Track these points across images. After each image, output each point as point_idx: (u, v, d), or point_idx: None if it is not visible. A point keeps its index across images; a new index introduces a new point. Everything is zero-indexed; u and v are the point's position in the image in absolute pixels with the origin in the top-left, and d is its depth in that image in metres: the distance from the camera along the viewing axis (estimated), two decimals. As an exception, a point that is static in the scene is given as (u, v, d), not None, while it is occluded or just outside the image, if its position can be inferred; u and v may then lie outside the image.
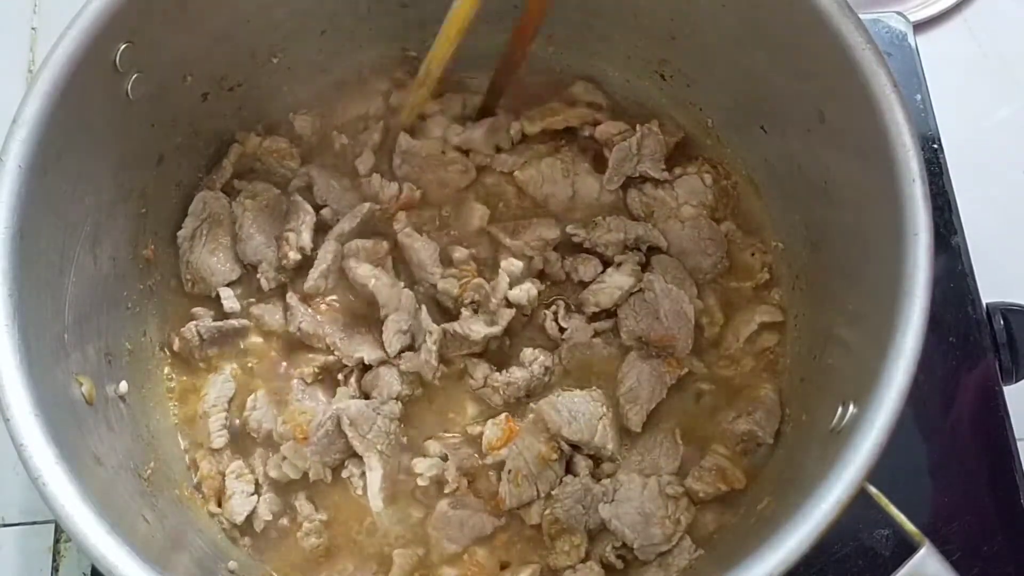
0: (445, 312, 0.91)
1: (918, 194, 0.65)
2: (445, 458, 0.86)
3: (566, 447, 0.84)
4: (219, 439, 0.86)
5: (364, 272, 0.89)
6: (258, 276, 0.91)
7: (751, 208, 0.94)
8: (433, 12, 0.95)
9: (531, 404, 0.87)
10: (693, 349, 0.89)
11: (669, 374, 0.87)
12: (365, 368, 0.88)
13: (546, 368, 0.87)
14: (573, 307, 0.91)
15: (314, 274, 0.90)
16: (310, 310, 0.90)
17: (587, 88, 0.99)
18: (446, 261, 0.92)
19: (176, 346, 0.89)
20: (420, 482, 0.84)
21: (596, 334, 0.90)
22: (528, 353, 0.88)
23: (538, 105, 0.98)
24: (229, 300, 0.91)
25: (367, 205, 0.92)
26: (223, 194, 0.94)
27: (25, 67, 1.21)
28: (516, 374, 0.86)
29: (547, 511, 0.83)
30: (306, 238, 0.90)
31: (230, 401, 0.88)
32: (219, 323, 0.89)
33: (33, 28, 1.23)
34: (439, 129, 0.97)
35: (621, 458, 0.86)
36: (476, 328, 0.86)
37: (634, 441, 0.87)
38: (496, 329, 0.87)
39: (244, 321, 0.90)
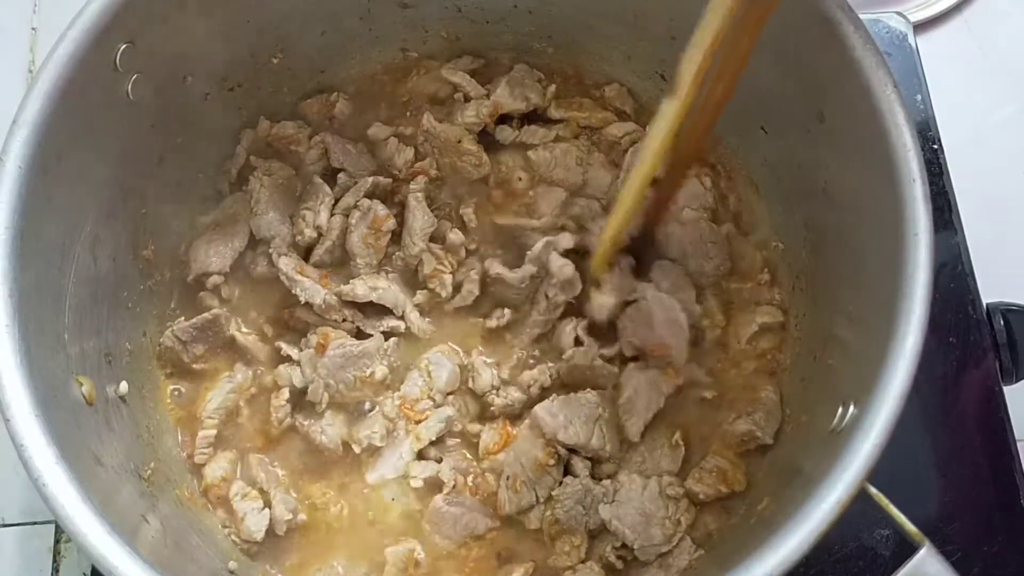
0: (410, 277, 0.93)
1: (918, 194, 0.65)
2: (440, 460, 0.86)
3: (563, 451, 0.84)
4: (201, 456, 0.86)
5: (363, 292, 0.89)
6: (269, 251, 0.92)
7: (751, 209, 0.94)
8: (433, 13, 0.96)
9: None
10: (694, 353, 0.89)
11: (666, 384, 0.87)
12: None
13: (543, 388, 0.88)
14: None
15: (319, 250, 0.92)
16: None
17: (619, 92, 0.99)
18: (441, 239, 0.93)
19: (159, 356, 0.89)
20: (413, 484, 0.85)
21: (600, 356, 0.89)
22: (527, 376, 0.88)
23: (570, 96, 0.99)
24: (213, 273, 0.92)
25: (370, 179, 0.93)
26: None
27: (25, 67, 1.21)
28: (513, 395, 0.87)
29: (547, 512, 0.83)
30: (323, 218, 0.91)
31: (229, 412, 0.88)
32: (192, 320, 0.89)
33: (33, 28, 1.23)
34: (456, 76, 0.98)
35: (620, 458, 0.86)
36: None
37: (634, 448, 0.86)
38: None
39: (216, 311, 0.90)
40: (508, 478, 0.83)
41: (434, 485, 0.85)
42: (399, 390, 0.88)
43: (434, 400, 0.88)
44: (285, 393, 0.87)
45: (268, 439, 0.88)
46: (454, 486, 0.84)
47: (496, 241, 0.95)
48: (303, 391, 0.88)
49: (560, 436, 0.83)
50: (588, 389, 0.87)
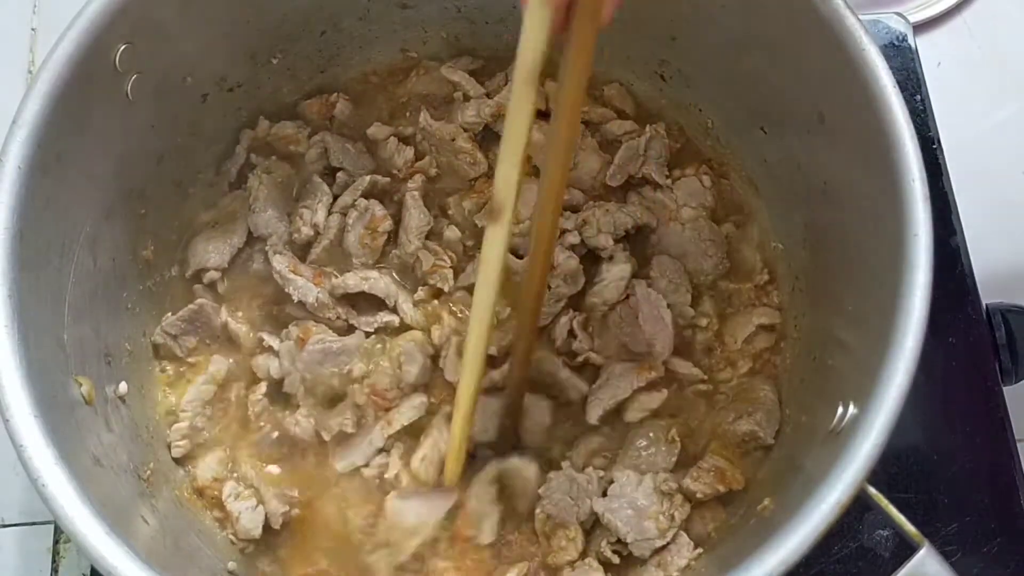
0: (407, 275, 0.93)
1: (918, 194, 0.65)
2: (388, 450, 0.86)
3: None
4: (178, 449, 0.85)
5: (354, 283, 0.89)
6: (267, 248, 0.92)
7: (751, 209, 0.94)
8: (433, 13, 0.96)
9: None
10: (687, 351, 0.89)
11: (638, 376, 0.86)
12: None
13: (499, 389, 0.87)
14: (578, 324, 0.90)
15: (316, 249, 0.92)
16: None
17: (619, 92, 0.99)
18: (437, 235, 0.93)
19: (158, 356, 0.89)
20: (366, 472, 0.85)
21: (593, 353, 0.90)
22: (496, 374, 0.87)
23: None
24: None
25: (368, 178, 0.93)
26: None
27: (25, 67, 1.21)
28: None
29: (538, 510, 0.82)
30: (320, 216, 0.92)
31: (206, 404, 0.87)
32: (179, 313, 0.88)
33: (33, 28, 1.23)
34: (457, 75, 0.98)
35: (615, 453, 0.86)
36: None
37: (630, 438, 0.86)
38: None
39: (201, 300, 0.89)
40: (423, 459, 0.84)
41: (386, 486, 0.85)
42: (369, 377, 0.88)
43: (402, 391, 0.88)
44: (263, 387, 0.87)
45: (245, 431, 0.88)
46: (396, 476, 0.84)
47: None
48: (280, 382, 0.88)
49: (477, 438, 0.84)
50: (542, 395, 0.87)
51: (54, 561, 0.98)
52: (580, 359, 0.88)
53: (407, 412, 0.86)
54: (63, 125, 0.70)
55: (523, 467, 0.83)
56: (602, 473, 0.84)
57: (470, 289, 0.91)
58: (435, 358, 0.89)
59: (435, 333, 0.89)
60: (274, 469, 0.87)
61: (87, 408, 0.73)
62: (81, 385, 0.73)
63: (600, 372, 0.88)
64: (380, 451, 0.86)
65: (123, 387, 0.80)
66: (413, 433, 0.86)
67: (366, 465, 0.85)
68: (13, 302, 0.65)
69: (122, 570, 0.60)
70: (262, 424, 0.87)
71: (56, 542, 0.98)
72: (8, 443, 0.62)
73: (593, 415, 0.85)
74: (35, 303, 0.68)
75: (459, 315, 0.91)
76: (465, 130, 0.96)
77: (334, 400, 0.88)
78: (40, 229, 0.69)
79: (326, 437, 0.85)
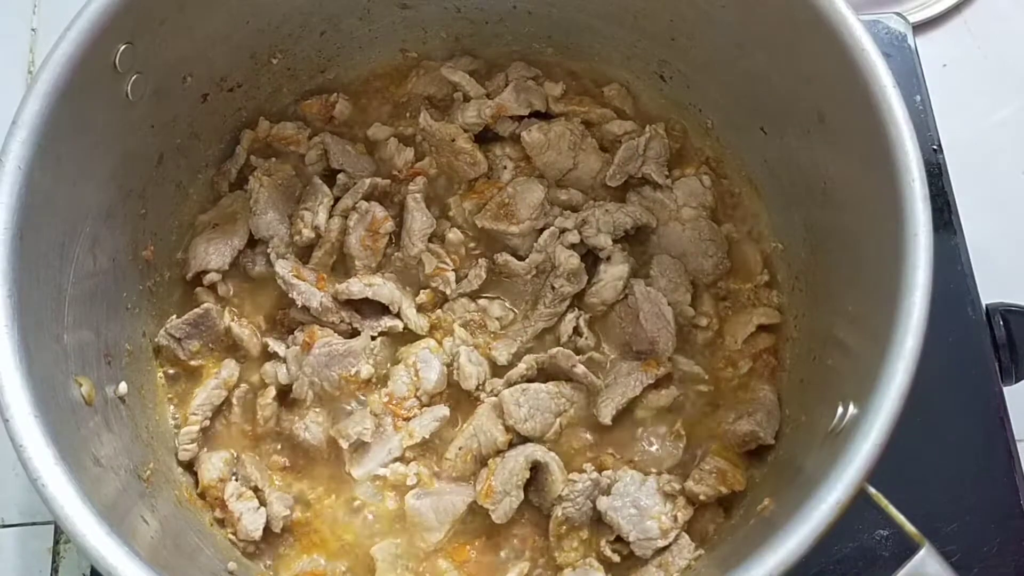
0: (410, 277, 0.93)
1: (918, 194, 0.65)
2: (407, 461, 0.86)
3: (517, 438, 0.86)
4: (185, 453, 0.86)
5: (358, 289, 0.89)
6: (268, 251, 0.92)
7: (751, 209, 0.94)
8: (432, 13, 0.96)
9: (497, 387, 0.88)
10: (687, 350, 0.90)
11: (646, 373, 0.87)
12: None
13: (529, 381, 0.88)
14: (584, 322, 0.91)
15: (318, 252, 0.92)
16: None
17: (620, 93, 0.99)
18: (440, 237, 0.94)
19: (158, 356, 0.89)
20: (382, 478, 0.85)
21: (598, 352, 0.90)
22: (515, 373, 0.88)
23: (570, 93, 0.99)
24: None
25: (368, 180, 0.93)
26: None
27: (25, 67, 1.21)
28: (500, 390, 0.87)
29: (559, 511, 0.82)
30: (321, 218, 0.92)
31: (215, 408, 0.88)
32: (184, 316, 0.88)
33: (33, 29, 1.23)
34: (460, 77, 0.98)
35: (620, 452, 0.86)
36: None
37: (634, 438, 0.87)
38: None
39: (207, 304, 0.89)
40: (460, 448, 0.84)
41: (404, 487, 0.85)
42: (386, 386, 0.88)
43: (420, 400, 0.88)
44: (272, 392, 0.88)
45: (255, 436, 0.88)
46: (419, 481, 0.85)
47: (490, 240, 0.95)
48: (289, 388, 0.88)
49: (519, 427, 0.84)
50: (563, 380, 0.87)
51: (54, 561, 0.98)
52: (584, 357, 0.88)
53: (429, 424, 0.86)
54: (63, 125, 0.70)
55: (556, 468, 0.83)
56: (608, 472, 0.84)
57: (472, 295, 0.91)
58: (449, 364, 0.89)
59: (446, 344, 0.89)
60: (279, 473, 0.87)
61: (87, 408, 0.73)
62: (81, 385, 0.73)
63: (606, 371, 0.88)
64: (397, 459, 0.86)
65: (123, 387, 0.80)
66: (430, 441, 0.87)
67: (383, 472, 0.85)
68: (13, 302, 0.65)
69: (122, 570, 0.60)
70: (271, 429, 0.88)
71: (56, 542, 0.99)
72: (8, 443, 0.62)
73: (606, 414, 0.85)
74: (35, 303, 0.68)
75: (466, 325, 0.91)
76: (465, 130, 0.96)
77: (343, 408, 0.88)
78: (40, 229, 0.69)
79: (344, 445, 0.85)
